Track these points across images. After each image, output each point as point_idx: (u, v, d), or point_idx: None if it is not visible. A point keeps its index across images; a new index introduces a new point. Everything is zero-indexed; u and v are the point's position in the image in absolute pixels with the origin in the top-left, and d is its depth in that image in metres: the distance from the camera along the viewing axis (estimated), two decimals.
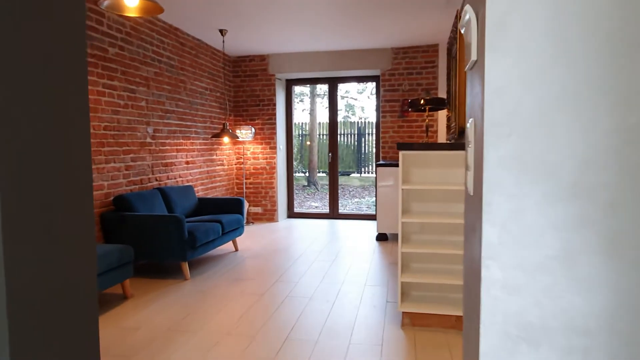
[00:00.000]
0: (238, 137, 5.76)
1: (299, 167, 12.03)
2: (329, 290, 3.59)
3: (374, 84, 6.95)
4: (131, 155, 4.38)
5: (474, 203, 1.02)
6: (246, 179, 7.01)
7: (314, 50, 6.56)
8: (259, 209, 7.02)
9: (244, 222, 5.00)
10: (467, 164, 1.11)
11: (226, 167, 6.74)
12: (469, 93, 1.12)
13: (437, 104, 4.07)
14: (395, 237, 5.70)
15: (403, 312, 2.83)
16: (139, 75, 4.50)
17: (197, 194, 5.67)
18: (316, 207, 9.07)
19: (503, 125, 0.87)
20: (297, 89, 13.20)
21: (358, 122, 12.69)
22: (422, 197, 2.98)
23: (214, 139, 6.03)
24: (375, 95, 6.92)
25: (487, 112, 0.88)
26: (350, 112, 13.55)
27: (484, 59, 0.87)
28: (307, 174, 12.03)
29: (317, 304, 3.27)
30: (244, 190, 6.93)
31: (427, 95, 4.09)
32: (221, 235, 4.41)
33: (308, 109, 12.51)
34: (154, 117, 4.77)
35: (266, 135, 6.91)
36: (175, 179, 5.19)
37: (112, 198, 4.05)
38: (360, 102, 13.44)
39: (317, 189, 11.34)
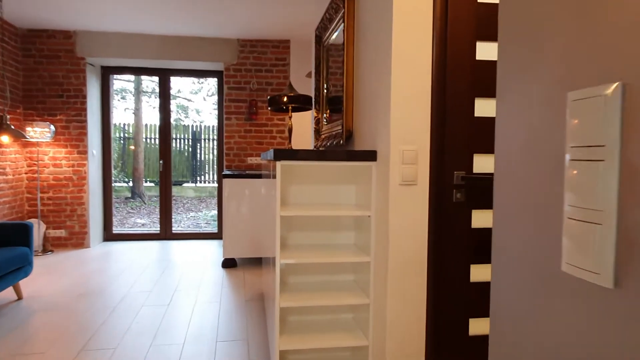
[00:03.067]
0: (26, 137, 4.13)
1: (119, 175, 10.14)
2: (165, 355, 2.51)
3: (215, 80, 5.95)
4: None
5: None
6: (43, 192, 5.26)
7: (140, 32, 5.25)
8: (62, 232, 5.33)
9: (32, 256, 3.50)
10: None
11: (11, 177, 4.92)
12: None
13: (304, 103, 3.34)
14: (247, 262, 4.79)
15: None
16: None
17: None
18: (143, 224, 7.55)
19: None
20: (119, 82, 11.23)
21: (192, 126, 11.38)
22: (305, 224, 2.18)
23: None
24: (216, 95, 5.92)
25: None
26: (183, 114, 12.13)
27: None
28: (131, 184, 10.22)
29: None
30: (39, 208, 5.17)
31: (291, 91, 3.33)
32: None
33: (132, 108, 10.71)
34: None
35: (73, 136, 5.29)
36: None
37: None
38: (195, 104, 12.13)
39: (143, 201, 9.66)
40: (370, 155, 1.92)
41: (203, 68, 5.79)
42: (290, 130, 3.50)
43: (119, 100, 11.32)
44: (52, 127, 5.03)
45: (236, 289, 3.81)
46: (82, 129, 5.30)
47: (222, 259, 4.62)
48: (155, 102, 11.86)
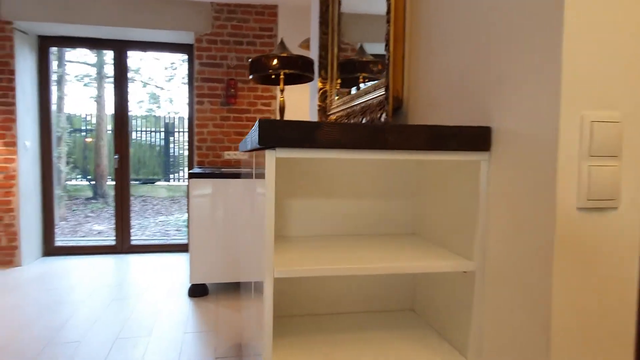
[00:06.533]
0: None
1: (73, 173, 8.86)
2: None
3: (185, 56, 4.81)
4: None
5: None
6: None
7: None
8: None
9: None
10: None
11: None
12: None
13: (303, 69, 2.25)
14: (221, 288, 3.69)
15: None
16: None
17: None
18: (99, 232, 6.35)
19: None
20: (79, 67, 9.94)
21: (165, 117, 10.15)
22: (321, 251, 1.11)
23: None
24: (187, 77, 4.79)
25: None
26: (155, 104, 10.87)
27: None
28: (93, 183, 8.96)
29: None
30: None
31: (282, 51, 2.23)
32: None
33: (98, 94, 9.43)
34: None
35: None
36: None
37: None
38: (169, 93, 10.89)
39: (107, 203, 8.42)
40: (475, 137, 0.86)
41: (169, 40, 4.64)
42: (282, 110, 2.42)
43: (83, 86, 10.03)
44: None
45: (205, 336, 2.70)
46: (10, 113, 4.11)
47: (189, 284, 3.51)
48: None
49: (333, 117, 2.07)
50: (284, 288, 1.16)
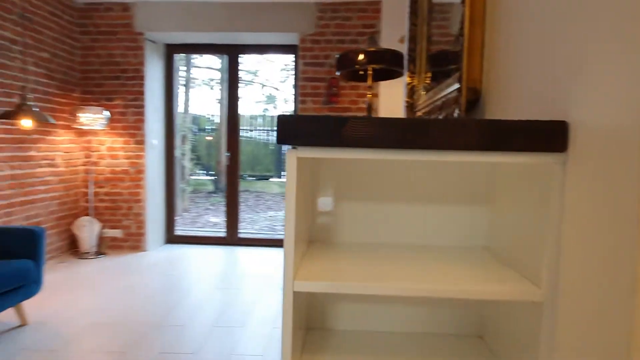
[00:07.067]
0: (50, 121, 3.46)
1: (195, 168, 9.70)
2: None
3: (293, 57, 4.95)
4: None
5: None
6: (99, 187, 4.69)
7: (202, 0, 4.42)
8: (118, 233, 4.73)
9: (40, 271, 2.76)
10: None
11: (63, 169, 4.38)
12: None
13: (392, 63, 2.13)
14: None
15: None
16: None
17: None
18: (214, 224, 6.87)
19: None
20: (207, 71, 10.89)
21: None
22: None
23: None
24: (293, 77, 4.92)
25: None
26: (271, 105, 11.47)
27: None
28: (215, 178, 9.76)
29: None
30: (90, 204, 4.60)
31: (372, 45, 2.14)
32: None
33: (221, 97, 10.25)
34: None
35: (130, 124, 4.64)
36: None
37: None
38: (283, 93, 11.40)
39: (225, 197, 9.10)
40: (547, 134, 0.69)
41: (275, 42, 4.81)
42: (370, 109, 2.32)
43: (209, 89, 10.99)
44: (107, 112, 4.41)
45: None
46: (140, 115, 4.63)
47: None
48: (245, 90, 11.35)
49: (419, 113, 1.92)
50: (326, 297, 1.08)
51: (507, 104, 0.97)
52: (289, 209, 0.73)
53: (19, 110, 3.04)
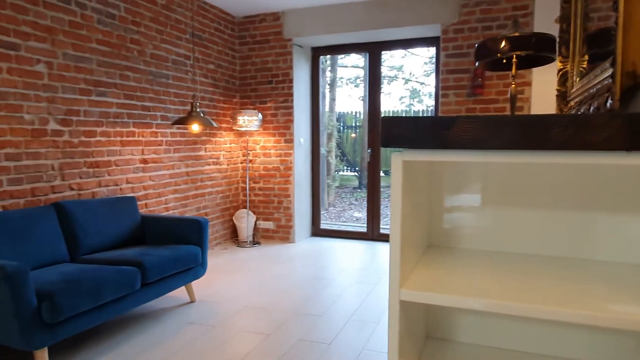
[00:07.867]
0: (214, 124, 3.93)
1: (340, 165, 9.99)
2: None
3: (434, 49, 4.78)
4: (8, 150, 2.73)
5: None
6: (254, 182, 5.20)
7: (343, 1, 4.54)
8: (270, 225, 5.18)
9: (205, 256, 3.18)
10: None
11: (225, 166, 4.97)
12: None
13: (539, 49, 1.91)
14: None
15: None
16: (25, 21, 2.82)
17: (154, 210, 3.95)
18: (357, 219, 7.02)
19: None
20: (351, 71, 11.16)
21: (421, 112, 10.37)
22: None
23: (175, 126, 4.23)
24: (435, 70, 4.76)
25: None
26: (416, 99, 11.24)
27: None
28: (359, 174, 9.99)
29: None
30: (247, 198, 5.12)
31: (515, 30, 1.95)
32: (141, 288, 2.62)
33: (364, 94, 10.44)
34: (65, 92, 3.08)
35: (280, 124, 5.03)
36: (115, 185, 3.49)
37: None
38: (428, 87, 11.06)
39: None
40: None
41: (416, 36, 4.70)
42: (513, 100, 2.14)
43: (353, 87, 11.28)
44: (260, 115, 4.85)
45: None
46: (289, 115, 4.98)
47: None
48: (388, 88, 11.34)
49: (572, 103, 1.69)
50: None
51: None
52: (394, 214, 0.71)
53: (190, 116, 3.54)
